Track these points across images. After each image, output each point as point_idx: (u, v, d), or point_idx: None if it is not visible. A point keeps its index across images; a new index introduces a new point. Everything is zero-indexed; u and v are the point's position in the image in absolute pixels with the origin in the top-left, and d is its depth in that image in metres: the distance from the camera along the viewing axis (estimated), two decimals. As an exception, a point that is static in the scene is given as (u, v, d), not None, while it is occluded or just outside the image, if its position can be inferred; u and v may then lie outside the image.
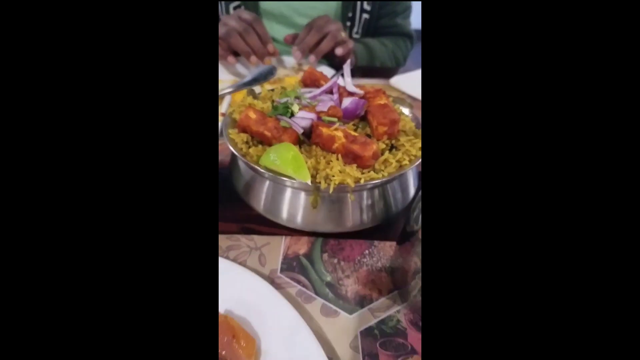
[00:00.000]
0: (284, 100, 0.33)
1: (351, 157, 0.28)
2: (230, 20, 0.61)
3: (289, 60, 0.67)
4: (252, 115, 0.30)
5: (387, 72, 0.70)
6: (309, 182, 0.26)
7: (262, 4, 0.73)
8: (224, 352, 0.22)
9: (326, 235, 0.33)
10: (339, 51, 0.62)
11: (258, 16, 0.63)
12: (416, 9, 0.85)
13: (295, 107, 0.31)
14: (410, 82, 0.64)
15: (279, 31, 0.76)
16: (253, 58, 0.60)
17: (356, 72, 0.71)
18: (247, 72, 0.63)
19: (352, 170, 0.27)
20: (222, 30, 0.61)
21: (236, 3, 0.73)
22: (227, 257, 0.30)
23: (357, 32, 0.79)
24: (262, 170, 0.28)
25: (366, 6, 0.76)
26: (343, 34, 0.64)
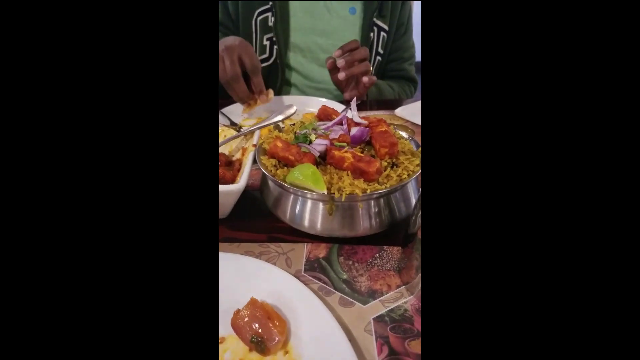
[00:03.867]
0: (303, 131, 0.41)
1: (359, 173, 0.34)
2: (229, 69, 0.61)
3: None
4: (279, 144, 0.38)
5: (393, 104, 0.79)
6: (325, 192, 0.32)
7: (292, 38, 0.84)
8: (260, 330, 0.27)
9: (341, 242, 0.38)
10: (365, 79, 0.71)
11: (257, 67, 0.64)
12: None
13: (312, 136, 0.39)
14: (411, 111, 0.71)
15: (302, 64, 0.87)
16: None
17: (371, 105, 0.80)
18: (262, 109, 0.73)
19: (360, 183, 0.33)
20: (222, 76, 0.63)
21: (269, 35, 0.81)
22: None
23: (371, 72, 0.90)
24: (287, 186, 0.35)
25: (380, 50, 0.87)
26: (371, 68, 0.73)
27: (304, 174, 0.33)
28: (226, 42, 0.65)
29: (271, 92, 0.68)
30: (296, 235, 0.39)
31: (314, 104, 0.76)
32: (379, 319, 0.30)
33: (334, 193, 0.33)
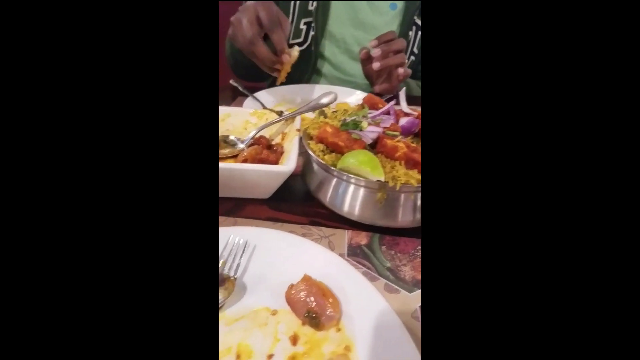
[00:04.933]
0: (352, 118, 0.41)
1: (412, 164, 0.35)
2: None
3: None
4: (329, 129, 0.39)
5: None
6: (382, 179, 0.33)
7: (330, 26, 0.82)
8: (314, 305, 0.28)
9: (380, 231, 0.39)
10: (400, 71, 0.69)
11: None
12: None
13: (364, 124, 0.39)
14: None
15: (334, 55, 0.86)
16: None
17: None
18: (292, 96, 0.73)
19: (414, 174, 0.34)
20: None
21: (308, 19, 0.79)
22: (303, 241, 0.37)
23: (406, 65, 0.89)
24: (333, 169, 0.35)
25: (415, 49, 0.85)
26: (406, 61, 0.71)
27: (360, 160, 0.33)
28: (243, 4, 0.58)
29: (296, 49, 0.59)
30: (334, 221, 0.39)
31: (347, 94, 0.75)
32: (425, 307, 0.30)
33: (387, 182, 0.33)
